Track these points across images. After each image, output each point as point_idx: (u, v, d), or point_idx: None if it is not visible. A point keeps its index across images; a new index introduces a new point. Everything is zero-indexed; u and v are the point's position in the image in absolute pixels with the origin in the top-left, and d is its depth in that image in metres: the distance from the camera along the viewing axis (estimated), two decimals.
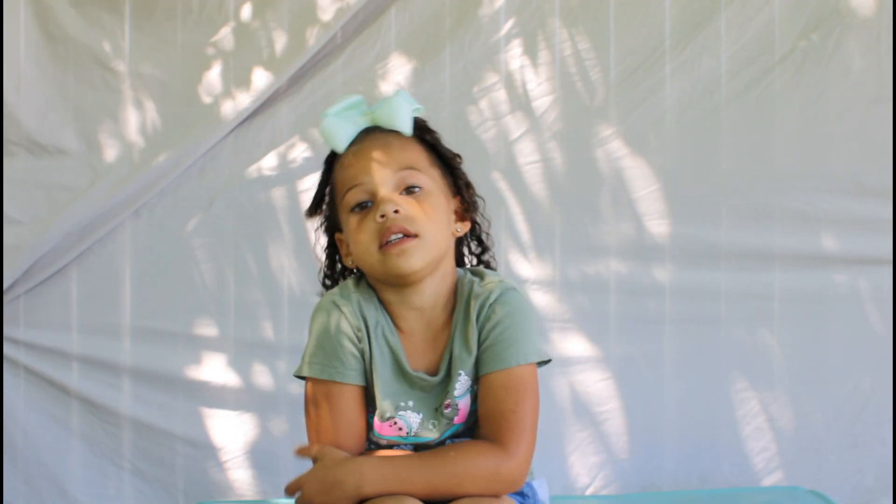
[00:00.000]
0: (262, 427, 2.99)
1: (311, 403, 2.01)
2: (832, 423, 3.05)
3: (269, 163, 2.95)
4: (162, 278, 2.96)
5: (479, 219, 2.11)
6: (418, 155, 2.02)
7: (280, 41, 2.89)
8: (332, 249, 2.12)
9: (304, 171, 2.93)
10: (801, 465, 3.04)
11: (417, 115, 2.05)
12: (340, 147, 2.02)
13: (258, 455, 2.99)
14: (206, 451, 2.98)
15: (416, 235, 1.94)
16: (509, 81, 2.94)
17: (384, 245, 1.94)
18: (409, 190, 1.98)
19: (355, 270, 2.09)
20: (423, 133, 2.05)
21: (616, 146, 2.97)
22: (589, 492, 3.02)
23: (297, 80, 2.92)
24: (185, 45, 2.88)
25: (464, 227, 2.07)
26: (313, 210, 2.10)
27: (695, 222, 2.99)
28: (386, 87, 2.90)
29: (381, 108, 2.03)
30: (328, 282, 2.14)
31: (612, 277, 2.99)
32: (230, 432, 2.99)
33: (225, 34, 2.89)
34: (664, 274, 2.99)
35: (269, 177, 2.95)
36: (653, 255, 2.98)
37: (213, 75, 2.88)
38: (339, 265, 2.13)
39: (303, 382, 2.83)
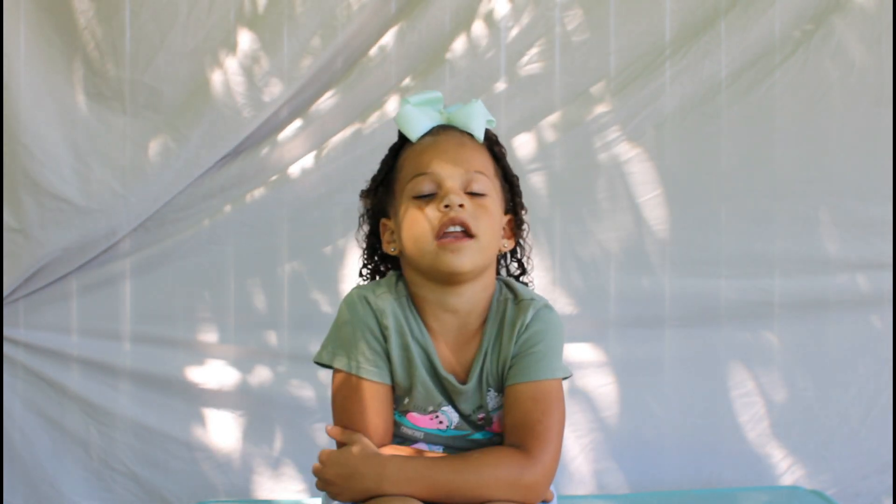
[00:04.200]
0: (260, 430, 3.00)
1: (336, 394, 2.01)
2: (834, 424, 3.06)
3: (270, 172, 2.95)
4: (161, 282, 2.97)
5: (522, 241, 2.12)
6: (487, 162, 2.03)
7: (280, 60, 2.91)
8: (374, 238, 2.11)
9: (304, 179, 2.94)
10: (802, 465, 3.04)
11: (490, 126, 2.07)
12: (414, 135, 2.02)
13: (255, 458, 3.00)
14: (203, 453, 2.99)
15: (473, 236, 1.95)
16: (512, 87, 2.94)
17: (441, 237, 1.94)
18: (473, 193, 1.98)
19: (387, 267, 2.11)
20: (492, 144, 2.07)
21: (618, 150, 2.97)
22: (591, 492, 3.03)
23: (301, 90, 2.93)
24: (185, 54, 2.88)
25: (509, 244, 2.08)
26: (372, 192, 2.09)
27: (695, 226, 3.00)
28: (392, 104, 2.91)
29: (459, 111, 2.05)
30: (365, 270, 2.13)
31: (612, 281, 3.00)
32: (227, 435, 3.00)
33: (225, 50, 2.88)
34: (665, 277, 2.99)
35: (269, 184, 2.95)
36: (654, 258, 2.99)
37: (216, 87, 2.88)
38: (377, 255, 2.13)
39: (301, 378, 2.82)
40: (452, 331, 2.01)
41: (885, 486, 3.06)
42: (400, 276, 2.06)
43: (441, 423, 2.02)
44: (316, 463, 1.99)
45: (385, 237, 2.06)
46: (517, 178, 2.10)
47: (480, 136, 2.03)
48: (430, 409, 2.01)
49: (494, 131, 2.09)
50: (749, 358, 3.04)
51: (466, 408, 2.01)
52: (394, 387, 2.01)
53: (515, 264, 2.14)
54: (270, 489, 3.00)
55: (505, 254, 2.12)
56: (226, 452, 2.99)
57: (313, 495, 2.95)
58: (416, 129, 2.03)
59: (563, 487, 3.01)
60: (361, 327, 1.99)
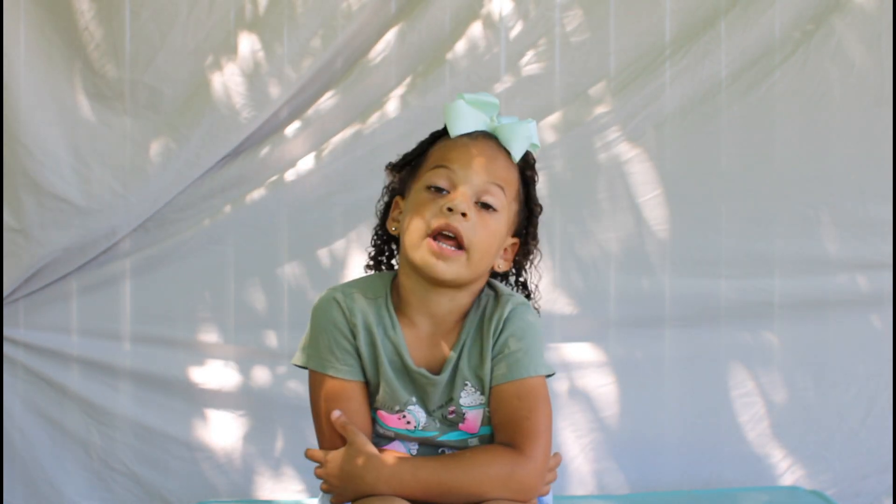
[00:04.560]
0: (260, 430, 3.00)
1: (312, 394, 2.04)
2: (834, 424, 3.06)
3: (270, 172, 2.95)
4: (161, 282, 2.97)
5: (528, 267, 2.13)
6: (512, 182, 2.03)
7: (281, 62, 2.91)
8: (388, 213, 2.12)
9: (305, 180, 2.94)
10: (802, 465, 3.05)
11: (533, 150, 2.07)
12: (454, 131, 2.02)
13: (255, 458, 3.00)
14: (203, 453, 2.99)
15: (464, 248, 1.95)
16: (512, 88, 2.94)
17: (432, 237, 1.95)
18: (484, 204, 1.98)
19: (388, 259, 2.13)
20: (525, 167, 2.06)
21: (618, 151, 2.98)
22: (591, 492, 3.03)
23: (302, 90, 2.93)
24: (186, 55, 2.87)
25: (505, 266, 2.07)
26: (397, 168, 2.09)
27: (695, 226, 3.00)
28: (393, 105, 2.92)
29: (506, 126, 2.04)
30: (377, 240, 2.15)
31: (613, 281, 3.00)
32: (228, 435, 3.00)
33: (226, 51, 2.88)
34: (665, 277, 2.99)
35: (269, 184, 2.95)
36: (654, 258, 2.99)
37: (216, 88, 2.88)
38: (385, 233, 2.14)
39: (301, 379, 2.84)
40: (431, 325, 2.03)
41: (885, 486, 3.06)
42: (381, 276, 2.08)
43: (409, 423, 2.03)
44: (317, 467, 2.00)
45: (393, 214, 2.08)
46: (540, 208, 2.09)
47: (517, 156, 2.03)
48: (397, 408, 2.02)
49: (536, 156, 2.08)
50: (749, 358, 3.04)
51: (435, 402, 2.02)
52: (368, 383, 2.03)
53: (520, 288, 2.13)
54: (271, 489, 3.00)
55: (506, 275, 2.12)
56: (226, 452, 2.99)
57: (313, 495, 2.95)
58: (458, 126, 2.02)
59: (563, 487, 3.01)
60: (331, 327, 2.01)
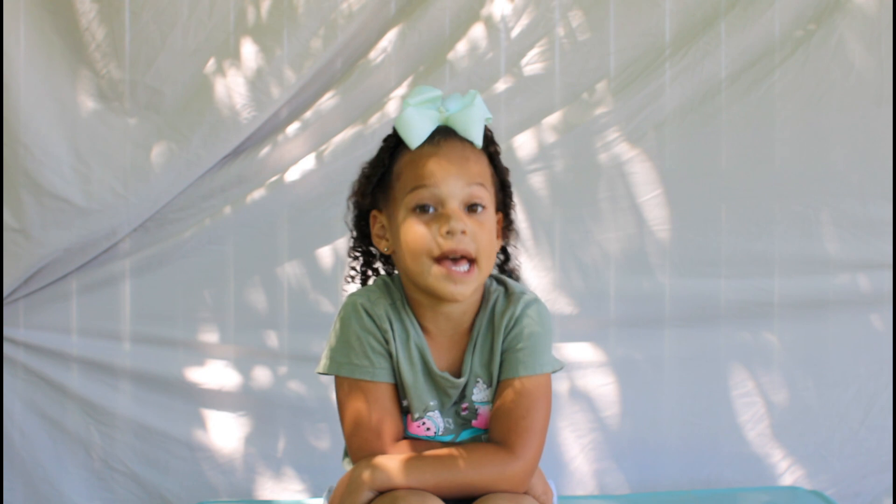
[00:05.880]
0: (261, 430, 3.00)
1: (345, 401, 2.03)
2: (834, 424, 3.06)
3: (270, 173, 2.95)
4: (161, 282, 2.97)
5: (511, 241, 2.13)
6: (486, 170, 2.02)
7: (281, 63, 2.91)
8: (363, 223, 2.10)
9: (305, 180, 2.94)
10: (802, 465, 3.05)
11: (487, 123, 2.06)
12: (415, 142, 1.99)
13: (256, 458, 3.00)
14: (204, 453, 2.99)
15: (474, 261, 1.95)
16: (512, 88, 2.94)
17: (441, 261, 1.94)
18: (472, 207, 1.98)
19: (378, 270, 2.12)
20: (488, 144, 2.05)
21: (618, 151, 2.98)
22: (591, 492, 3.03)
23: (302, 91, 2.93)
24: (186, 56, 2.88)
25: (499, 244, 2.07)
26: (363, 184, 2.07)
27: (695, 226, 3.00)
28: (393, 105, 2.91)
29: (458, 114, 2.02)
30: (355, 253, 2.13)
31: (613, 281, 3.00)
32: (228, 435, 3.00)
33: (226, 52, 2.88)
34: (665, 278, 3.00)
35: (269, 184, 2.95)
36: (654, 258, 2.99)
37: (217, 88, 2.88)
38: (365, 245, 2.13)
39: (301, 379, 2.82)
40: (447, 330, 2.03)
41: (884, 486, 3.06)
42: (391, 279, 2.07)
43: (428, 429, 2.04)
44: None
45: (375, 229, 2.06)
46: (507, 172, 2.08)
47: (480, 142, 2.02)
48: (417, 415, 2.03)
49: (490, 127, 2.07)
50: (749, 358, 3.04)
51: (451, 400, 2.03)
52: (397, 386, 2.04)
53: (502, 255, 2.13)
54: (271, 489, 3.00)
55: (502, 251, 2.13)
56: (226, 453, 2.99)
57: (314, 495, 2.95)
58: (417, 135, 2.00)
59: (563, 487, 3.02)
60: (362, 333, 2.00)
